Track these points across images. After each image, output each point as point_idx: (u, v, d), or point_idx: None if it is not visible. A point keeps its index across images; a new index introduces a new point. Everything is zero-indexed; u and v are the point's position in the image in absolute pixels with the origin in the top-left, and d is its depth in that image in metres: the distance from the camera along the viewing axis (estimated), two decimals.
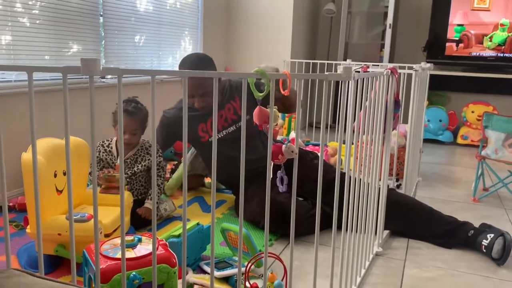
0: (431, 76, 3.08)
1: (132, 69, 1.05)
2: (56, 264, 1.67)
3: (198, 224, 1.72)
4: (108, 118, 2.15)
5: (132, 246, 1.36)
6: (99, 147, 2.16)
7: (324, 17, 5.33)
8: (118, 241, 1.40)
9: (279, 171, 1.20)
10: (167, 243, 1.44)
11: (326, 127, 4.64)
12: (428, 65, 2.76)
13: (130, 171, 2.13)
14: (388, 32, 4.65)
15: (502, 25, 4.41)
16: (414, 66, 2.38)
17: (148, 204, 2.11)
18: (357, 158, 1.47)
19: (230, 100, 2.32)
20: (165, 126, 2.35)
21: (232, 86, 2.34)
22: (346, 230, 1.38)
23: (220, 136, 2.27)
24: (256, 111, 1.13)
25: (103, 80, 3.03)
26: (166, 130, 2.34)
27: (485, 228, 1.99)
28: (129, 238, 1.37)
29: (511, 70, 4.47)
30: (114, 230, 1.75)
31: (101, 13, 3.00)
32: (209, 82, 2.20)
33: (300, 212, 1.97)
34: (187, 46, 4.04)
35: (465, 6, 4.53)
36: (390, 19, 4.61)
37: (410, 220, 2.09)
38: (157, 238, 1.39)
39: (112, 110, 2.14)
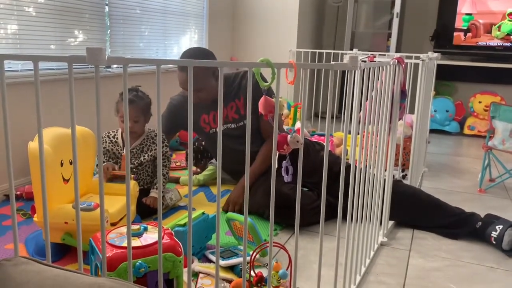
0: (438, 66, 3.05)
1: (137, 59, 1.05)
2: (63, 252, 1.69)
3: (203, 213, 1.73)
4: (114, 107, 2.15)
5: (138, 235, 1.37)
6: (105, 138, 2.17)
7: (330, 6, 5.28)
8: (124, 229, 1.41)
9: (284, 161, 1.20)
10: (172, 232, 1.44)
11: (332, 117, 4.63)
12: (435, 54, 2.73)
13: (137, 161, 2.14)
14: (395, 21, 4.60)
15: (510, 14, 4.35)
16: (421, 55, 2.36)
17: (154, 193, 2.13)
18: (362, 148, 1.47)
19: (235, 99, 2.31)
20: (171, 112, 2.40)
21: (241, 85, 2.32)
22: (351, 220, 1.38)
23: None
24: (261, 100, 1.12)
25: (108, 69, 3.03)
26: (171, 116, 2.39)
27: (492, 219, 1.98)
28: (135, 227, 1.38)
29: None
30: (120, 219, 1.76)
31: (107, 2, 2.99)
32: (202, 78, 2.20)
33: (305, 203, 1.97)
34: (193, 36, 4.02)
35: None
36: (397, 8, 4.56)
37: (416, 211, 2.08)
38: (163, 227, 1.40)
39: (116, 100, 2.15)
